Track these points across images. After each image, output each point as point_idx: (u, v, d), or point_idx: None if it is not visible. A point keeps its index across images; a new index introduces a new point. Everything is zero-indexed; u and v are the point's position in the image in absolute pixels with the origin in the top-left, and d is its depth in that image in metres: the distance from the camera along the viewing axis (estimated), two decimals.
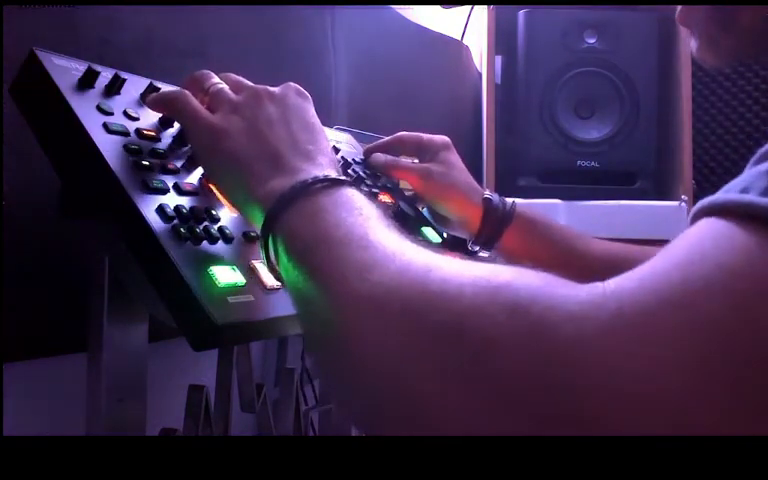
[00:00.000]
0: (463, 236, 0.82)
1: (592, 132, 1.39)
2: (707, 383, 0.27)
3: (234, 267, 0.50)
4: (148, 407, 0.58)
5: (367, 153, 0.83)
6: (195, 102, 0.52)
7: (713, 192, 0.33)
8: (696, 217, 0.32)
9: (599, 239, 0.81)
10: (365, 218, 0.41)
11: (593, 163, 1.38)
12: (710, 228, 0.30)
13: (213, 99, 0.52)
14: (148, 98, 0.56)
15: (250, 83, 0.53)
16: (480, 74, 1.53)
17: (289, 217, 0.43)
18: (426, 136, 0.83)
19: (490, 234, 0.79)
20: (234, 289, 0.49)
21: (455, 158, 0.82)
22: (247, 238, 0.55)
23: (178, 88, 0.54)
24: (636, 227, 1.30)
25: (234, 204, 0.52)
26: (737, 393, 0.27)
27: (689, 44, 0.53)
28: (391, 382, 0.33)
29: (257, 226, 0.46)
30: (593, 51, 1.38)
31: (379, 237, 0.39)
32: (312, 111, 0.53)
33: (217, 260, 0.50)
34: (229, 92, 0.52)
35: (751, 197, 0.30)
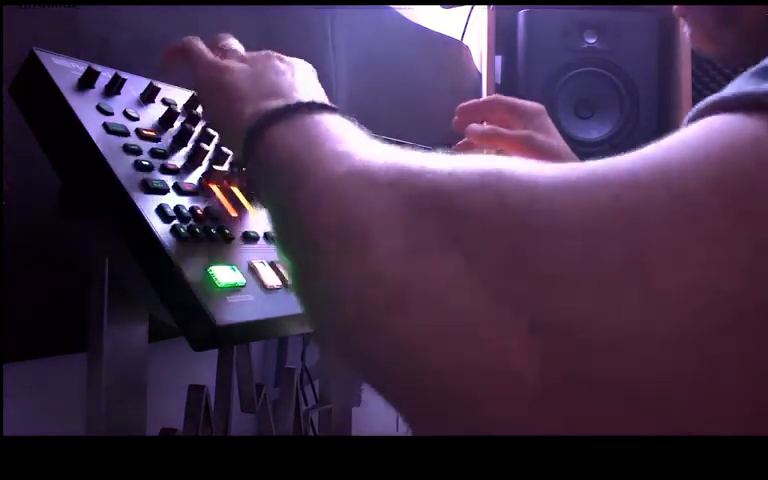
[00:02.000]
0: None
1: (592, 132, 1.39)
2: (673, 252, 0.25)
3: (234, 267, 0.50)
4: (148, 407, 0.58)
5: (460, 113, 0.79)
6: (203, 46, 0.53)
7: None
8: (693, 119, 0.29)
9: None
10: (350, 130, 0.40)
11: None
12: (710, 122, 0.28)
13: (225, 51, 0.53)
14: (161, 54, 0.56)
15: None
16: (480, 74, 1.53)
17: (274, 129, 0.41)
18: (521, 101, 0.79)
19: None
20: (234, 289, 0.49)
21: (553, 126, 0.77)
22: (247, 238, 0.55)
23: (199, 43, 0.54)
24: None
25: (221, 133, 0.52)
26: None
27: (687, 37, 0.53)
28: (369, 256, 0.30)
29: (240, 147, 0.44)
30: (593, 51, 1.38)
31: (362, 139, 0.38)
32: (317, 80, 0.53)
33: (217, 260, 0.50)
34: (242, 50, 0.53)
35: (753, 87, 0.28)
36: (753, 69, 0.29)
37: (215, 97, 0.50)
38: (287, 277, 0.54)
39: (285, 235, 0.39)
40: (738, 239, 0.25)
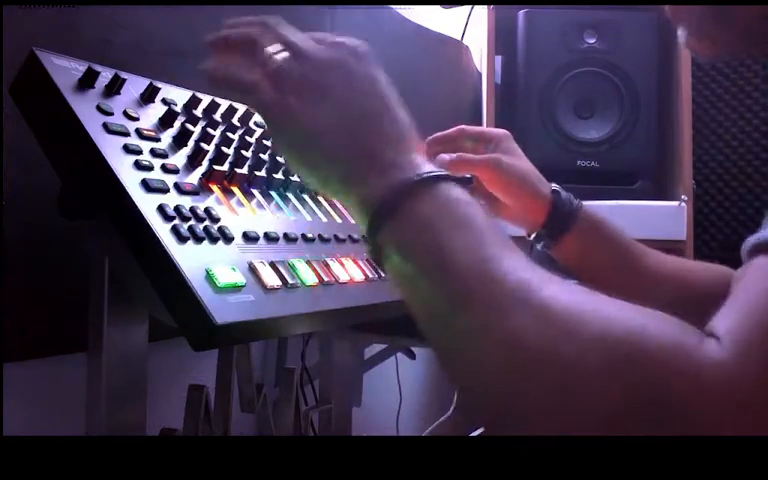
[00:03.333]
0: (525, 228, 0.80)
1: (592, 132, 1.39)
2: None
3: (234, 267, 0.50)
4: (148, 407, 0.58)
5: (429, 145, 0.80)
6: (271, 93, 0.46)
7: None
8: (752, 253, 0.36)
9: (659, 252, 0.79)
10: (472, 230, 0.41)
11: (593, 163, 1.38)
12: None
13: (278, 79, 0.46)
14: (212, 71, 0.49)
15: (303, 42, 0.48)
16: (480, 74, 1.53)
17: (396, 226, 0.42)
18: (487, 129, 0.82)
19: (555, 229, 0.77)
20: (234, 289, 0.49)
21: (518, 149, 0.80)
22: (247, 238, 0.55)
23: (252, 78, 0.47)
24: (636, 227, 1.30)
25: (327, 194, 0.51)
26: None
27: (682, 40, 0.53)
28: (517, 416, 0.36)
29: (358, 222, 0.45)
30: (593, 51, 1.38)
31: (504, 267, 0.39)
32: (376, 74, 0.48)
33: (217, 260, 0.50)
34: (294, 67, 0.46)
35: None
36: None
37: (310, 167, 0.46)
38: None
39: (437, 335, 0.41)
40: None
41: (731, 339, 0.33)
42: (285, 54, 0.47)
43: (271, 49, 0.48)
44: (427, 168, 0.43)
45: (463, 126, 0.82)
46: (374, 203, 0.42)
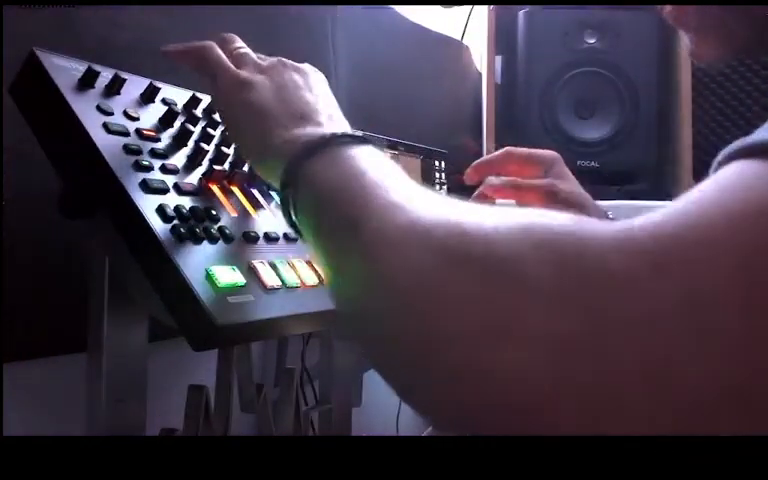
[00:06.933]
0: None
1: (592, 132, 1.39)
2: (726, 309, 0.26)
3: (234, 267, 0.50)
4: (148, 407, 0.58)
5: (474, 170, 0.78)
6: (222, 53, 0.53)
7: None
8: (723, 163, 0.31)
9: None
10: (391, 167, 0.41)
11: (593, 163, 1.38)
12: (738, 168, 0.30)
13: (239, 59, 0.53)
14: (170, 48, 0.56)
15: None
16: (480, 74, 1.53)
17: (315, 163, 0.42)
18: (535, 150, 0.79)
19: None
20: (234, 289, 0.49)
21: (569, 172, 0.77)
22: (247, 238, 0.55)
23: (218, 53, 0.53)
24: None
25: (251, 156, 0.52)
26: (754, 321, 0.26)
27: (689, 48, 0.53)
28: (418, 311, 0.32)
29: (274, 177, 0.45)
30: (593, 51, 1.39)
31: (409, 185, 0.39)
32: (329, 90, 0.54)
33: (217, 260, 0.50)
34: (254, 56, 0.53)
35: None
36: None
37: (240, 116, 0.50)
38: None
39: (334, 268, 0.40)
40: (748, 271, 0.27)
41: (646, 217, 0.30)
42: (250, 50, 0.54)
43: (239, 43, 0.54)
44: (329, 131, 0.44)
45: (511, 148, 0.79)
46: (297, 146, 0.44)
